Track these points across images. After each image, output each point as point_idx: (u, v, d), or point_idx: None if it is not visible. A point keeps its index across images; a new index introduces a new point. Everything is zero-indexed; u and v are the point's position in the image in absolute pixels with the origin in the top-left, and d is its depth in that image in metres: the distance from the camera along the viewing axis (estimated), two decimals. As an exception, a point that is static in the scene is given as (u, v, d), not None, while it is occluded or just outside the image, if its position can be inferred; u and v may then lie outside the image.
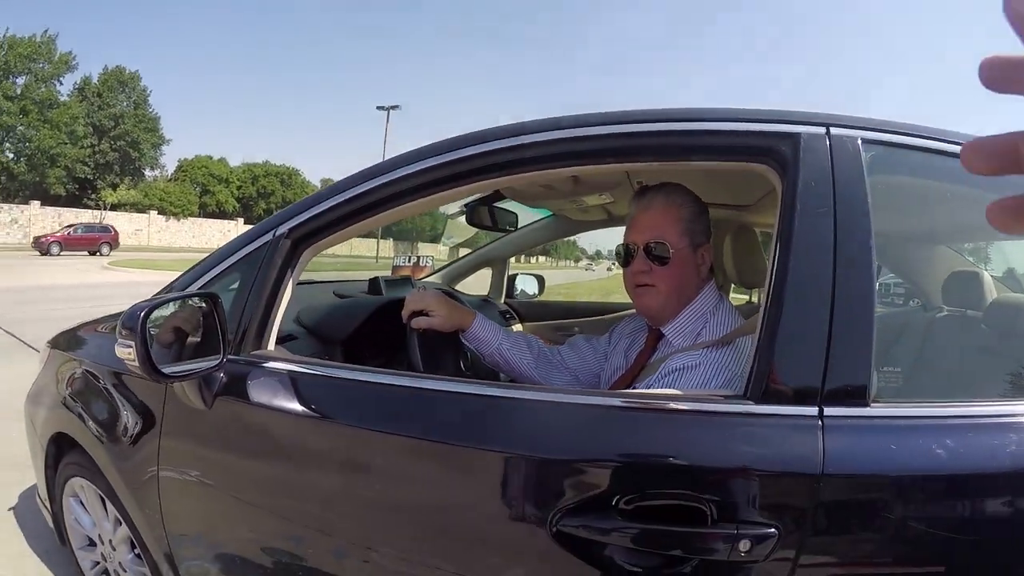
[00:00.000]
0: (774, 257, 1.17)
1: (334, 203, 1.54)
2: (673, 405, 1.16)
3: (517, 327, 3.51)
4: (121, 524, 1.98)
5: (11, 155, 46.34)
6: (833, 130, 1.22)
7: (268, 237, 1.61)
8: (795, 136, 1.22)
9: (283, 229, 1.58)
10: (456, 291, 3.63)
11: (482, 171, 1.44)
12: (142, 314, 1.38)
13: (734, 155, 1.31)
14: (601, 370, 1.83)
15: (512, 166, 1.43)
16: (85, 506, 2.19)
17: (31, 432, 2.44)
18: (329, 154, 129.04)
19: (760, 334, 1.13)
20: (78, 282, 16.68)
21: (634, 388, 1.54)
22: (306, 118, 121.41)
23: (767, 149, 1.25)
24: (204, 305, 1.52)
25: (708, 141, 1.31)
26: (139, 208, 49.89)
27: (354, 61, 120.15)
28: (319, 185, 75.68)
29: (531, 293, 4.06)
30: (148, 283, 15.31)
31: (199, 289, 1.72)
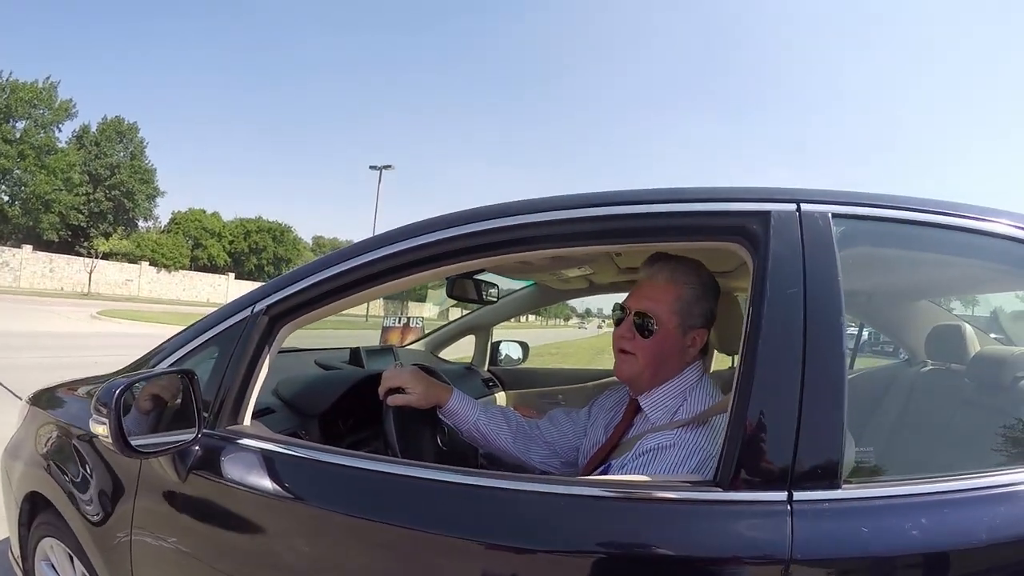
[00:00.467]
0: (745, 337, 1.17)
1: (312, 282, 1.55)
2: (643, 494, 1.16)
3: (500, 395, 3.54)
4: None
5: (6, 198, 46.67)
6: (804, 206, 1.23)
7: (246, 313, 1.62)
8: (765, 214, 1.24)
9: (261, 306, 1.60)
10: (440, 359, 3.68)
11: (459, 253, 1.46)
12: (117, 391, 1.38)
13: (706, 235, 1.33)
14: (580, 444, 1.84)
15: (488, 249, 1.45)
16: (56, 570, 2.16)
17: (6, 487, 2.40)
18: (323, 212, 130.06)
19: (730, 416, 1.14)
20: (67, 331, 16.68)
21: (609, 463, 1.56)
22: (300, 176, 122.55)
23: (738, 228, 1.26)
24: (180, 381, 1.53)
25: (680, 222, 1.33)
26: (131, 258, 49.99)
27: (350, 120, 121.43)
28: (311, 243, 76.10)
29: (516, 359, 4.09)
30: (136, 335, 15.33)
31: (178, 360, 1.74)
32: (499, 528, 1.19)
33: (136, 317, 23.52)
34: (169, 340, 1.86)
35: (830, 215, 1.22)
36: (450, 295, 2.88)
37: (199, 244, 59.42)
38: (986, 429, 1.61)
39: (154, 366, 1.82)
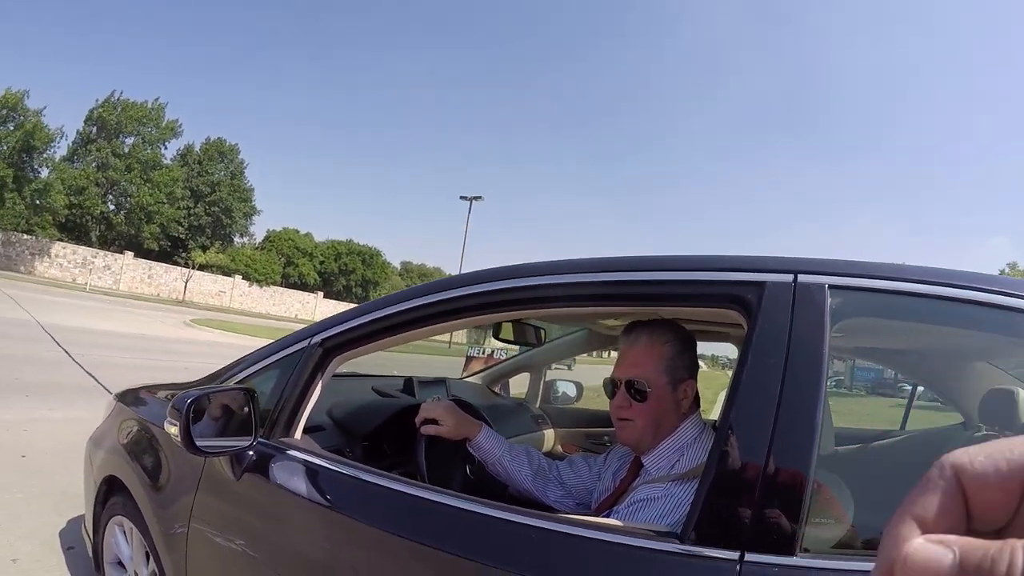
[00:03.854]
0: (726, 401, 1.22)
1: (363, 321, 1.76)
2: (611, 538, 1.21)
3: (549, 432, 3.62)
4: (150, 560, 2.21)
5: (112, 207, 49.22)
6: (800, 277, 1.25)
7: (304, 344, 1.85)
8: (761, 285, 1.27)
9: (317, 339, 1.82)
10: (495, 392, 3.83)
11: (482, 307, 1.62)
12: (188, 401, 1.65)
13: (705, 302, 1.40)
14: (594, 488, 1.94)
15: (508, 305, 1.60)
16: (126, 536, 2.44)
17: (88, 470, 2.75)
18: (412, 238, 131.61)
19: (704, 474, 1.18)
20: (162, 335, 17.34)
21: (611, 511, 1.65)
22: (393, 202, 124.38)
23: (735, 297, 1.31)
24: (243, 396, 1.78)
25: (680, 290, 1.40)
26: (225, 271, 51.64)
27: (445, 150, 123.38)
28: (399, 267, 76.89)
29: (571, 397, 4.16)
30: (224, 344, 15.82)
31: (245, 378, 2.00)
32: (489, 553, 1.29)
33: (226, 327, 24.13)
34: (241, 359, 2.11)
35: (827, 286, 1.23)
36: (496, 337, 3.03)
37: (291, 262, 60.82)
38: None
39: (226, 380, 2.07)
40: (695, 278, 1.40)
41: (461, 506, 1.38)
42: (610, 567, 1.18)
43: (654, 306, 1.54)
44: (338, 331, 1.80)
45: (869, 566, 1.02)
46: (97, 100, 48.66)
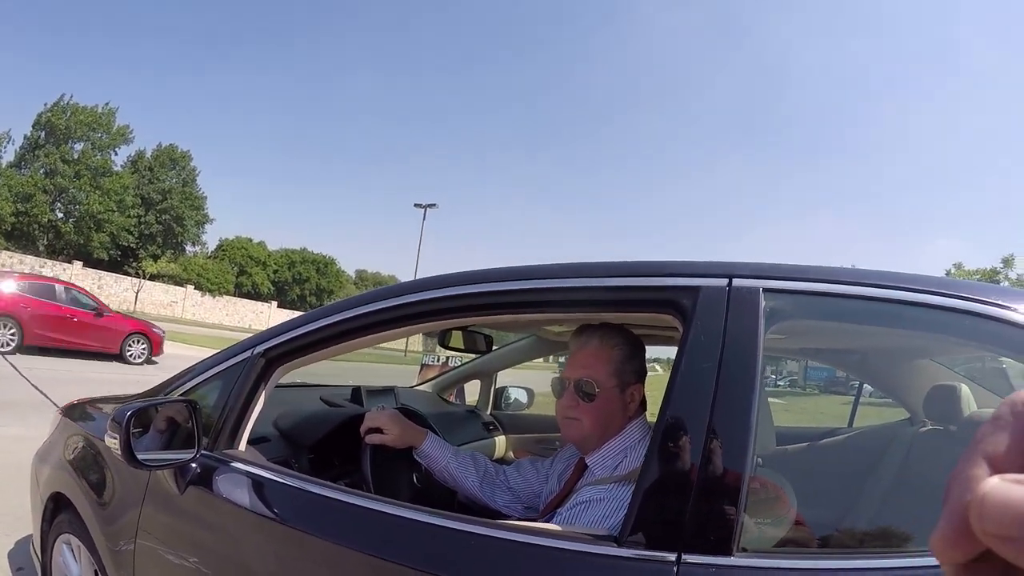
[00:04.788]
0: (662, 403, 1.22)
1: (305, 331, 1.75)
2: (549, 543, 1.22)
3: (500, 439, 3.63)
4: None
5: (61, 215, 47.99)
6: (735, 281, 1.27)
7: (247, 355, 1.84)
8: (695, 289, 1.29)
9: (259, 349, 1.81)
10: (445, 400, 3.83)
11: (419, 316, 1.64)
12: (128, 413, 1.63)
13: (641, 307, 1.43)
14: (542, 491, 1.96)
15: (451, 312, 1.61)
16: (74, 555, 2.39)
17: (34, 487, 2.70)
18: (367, 247, 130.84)
19: (640, 476, 1.20)
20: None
21: (555, 512, 1.65)
22: (347, 210, 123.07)
23: (670, 302, 1.33)
24: (185, 409, 1.77)
25: (618, 296, 1.42)
26: (177, 281, 50.76)
27: (397, 158, 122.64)
28: (354, 276, 76.43)
29: (523, 403, 4.17)
30: (176, 356, 15.57)
31: (188, 389, 1.98)
32: (432, 561, 1.29)
33: (177, 339, 23.70)
34: (185, 371, 2.10)
35: (761, 290, 1.25)
36: (442, 344, 3.05)
37: (244, 271, 60.05)
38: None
39: (170, 392, 2.05)
40: (631, 283, 1.42)
41: (404, 515, 1.39)
42: (549, 572, 1.19)
43: (593, 311, 1.56)
44: (280, 341, 1.79)
45: (811, 564, 1.08)
46: (46, 104, 47.58)
